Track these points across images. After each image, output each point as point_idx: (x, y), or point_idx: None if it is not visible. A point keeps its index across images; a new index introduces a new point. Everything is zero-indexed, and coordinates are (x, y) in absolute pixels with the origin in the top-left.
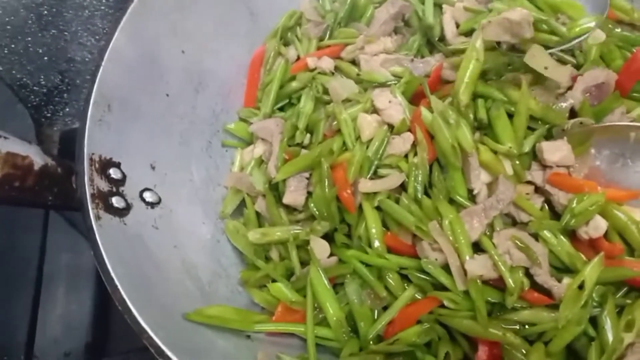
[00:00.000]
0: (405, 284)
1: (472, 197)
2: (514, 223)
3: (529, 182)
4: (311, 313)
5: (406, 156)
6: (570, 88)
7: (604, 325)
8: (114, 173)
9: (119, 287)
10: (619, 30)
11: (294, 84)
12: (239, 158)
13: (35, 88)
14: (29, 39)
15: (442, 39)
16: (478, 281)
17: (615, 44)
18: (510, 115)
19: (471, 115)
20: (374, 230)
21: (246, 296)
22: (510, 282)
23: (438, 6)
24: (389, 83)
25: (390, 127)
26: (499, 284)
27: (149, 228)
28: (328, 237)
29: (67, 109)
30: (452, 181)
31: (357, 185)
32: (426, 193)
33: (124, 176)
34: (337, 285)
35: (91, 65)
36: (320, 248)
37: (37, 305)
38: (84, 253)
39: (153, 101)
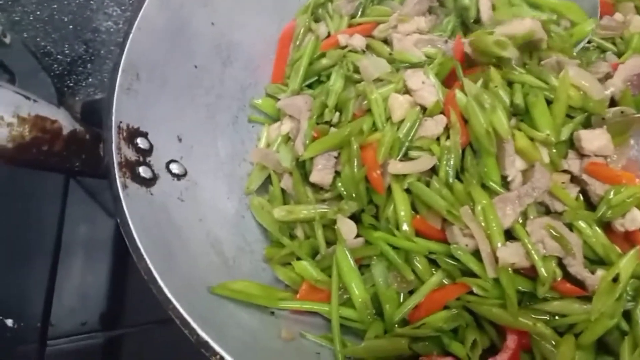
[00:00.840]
0: (433, 269)
1: (504, 183)
2: (547, 212)
3: (565, 171)
4: (336, 293)
5: (438, 139)
6: (610, 76)
7: (638, 320)
8: (141, 142)
9: (145, 256)
10: None
11: (324, 61)
12: (265, 134)
13: (59, 57)
14: (55, 6)
15: (478, 21)
16: (509, 269)
17: None
18: (549, 102)
19: (507, 100)
20: (402, 213)
21: (270, 273)
22: (542, 271)
23: None
24: (422, 64)
25: (423, 108)
26: (530, 273)
27: (174, 200)
28: (355, 217)
29: (90, 79)
30: (485, 167)
31: (387, 167)
32: (457, 178)
33: (151, 146)
34: (362, 266)
35: (116, 36)
36: (347, 228)
37: (54, 275)
38: (102, 224)
39: (181, 73)
